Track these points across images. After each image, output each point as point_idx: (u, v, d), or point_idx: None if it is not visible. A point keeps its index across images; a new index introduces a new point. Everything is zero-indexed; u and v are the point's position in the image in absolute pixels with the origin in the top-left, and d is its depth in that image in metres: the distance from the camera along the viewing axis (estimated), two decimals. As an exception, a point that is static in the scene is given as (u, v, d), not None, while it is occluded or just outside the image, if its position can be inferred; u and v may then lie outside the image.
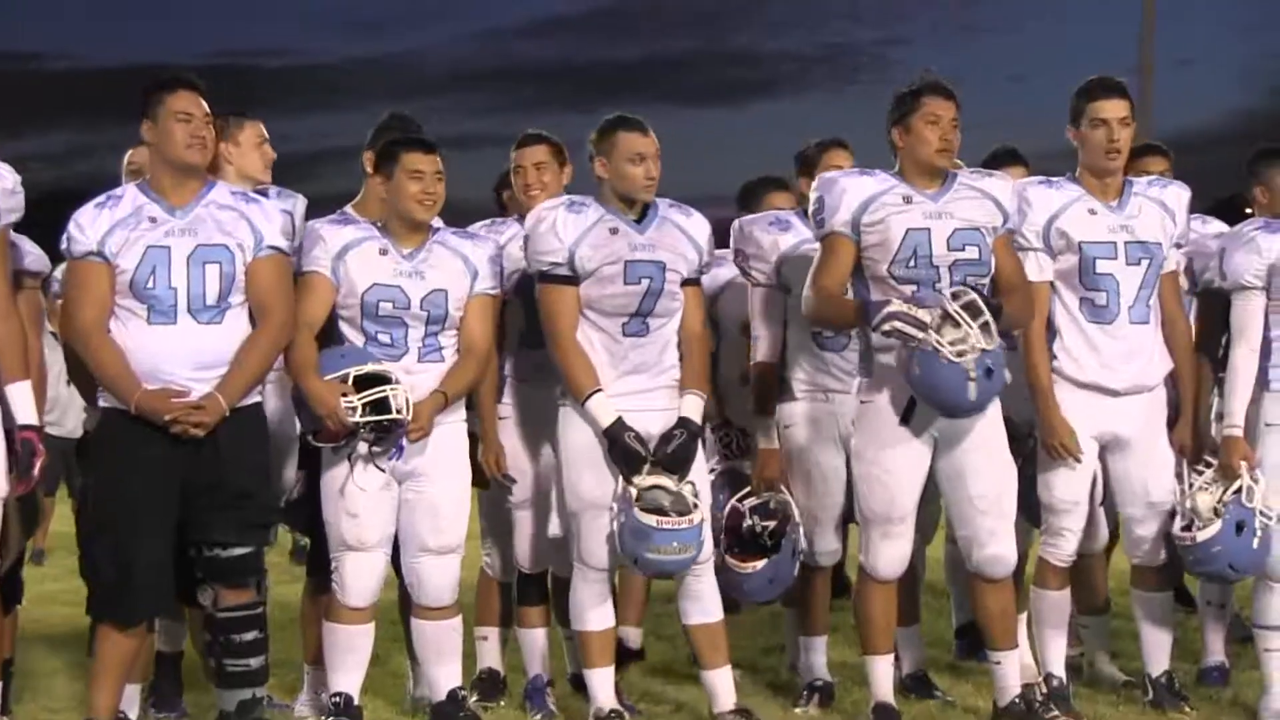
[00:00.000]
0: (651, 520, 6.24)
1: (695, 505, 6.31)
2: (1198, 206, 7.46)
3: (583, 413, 6.41)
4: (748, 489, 6.86)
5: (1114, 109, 6.58)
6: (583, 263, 6.42)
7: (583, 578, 6.52)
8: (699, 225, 6.58)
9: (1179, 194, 6.77)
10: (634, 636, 7.97)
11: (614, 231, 6.46)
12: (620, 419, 6.36)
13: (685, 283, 6.52)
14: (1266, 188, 6.96)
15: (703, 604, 6.53)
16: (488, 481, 6.88)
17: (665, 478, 6.33)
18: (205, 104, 6.18)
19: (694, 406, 6.48)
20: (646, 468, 6.34)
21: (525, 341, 6.90)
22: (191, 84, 6.20)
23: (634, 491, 6.28)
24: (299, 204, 6.74)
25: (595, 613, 6.54)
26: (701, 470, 6.53)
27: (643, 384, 6.46)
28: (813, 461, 6.94)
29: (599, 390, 6.39)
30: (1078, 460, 6.56)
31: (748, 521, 6.77)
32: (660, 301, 6.45)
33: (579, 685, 7.10)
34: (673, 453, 6.38)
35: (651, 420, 6.43)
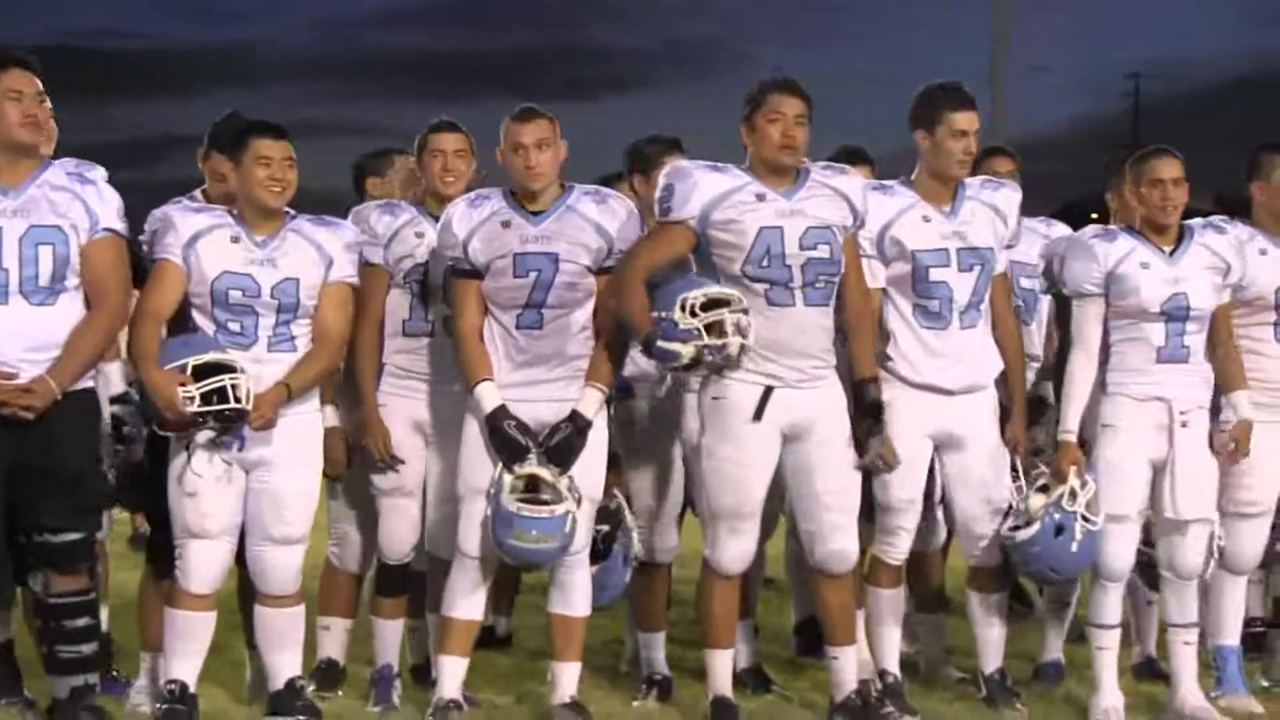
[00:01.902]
0: (514, 506, 6.25)
1: (568, 498, 6.30)
2: (1045, 210, 7.60)
3: (473, 402, 6.42)
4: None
5: (971, 121, 6.66)
6: (475, 256, 6.44)
7: (460, 565, 6.52)
8: (611, 213, 6.53)
9: (1010, 197, 6.86)
10: (502, 624, 8.05)
11: (506, 225, 6.46)
12: (502, 407, 6.37)
13: (600, 272, 6.49)
14: (1117, 194, 7.12)
15: (567, 596, 6.55)
16: (340, 473, 6.85)
17: (546, 469, 6.33)
18: (39, 82, 6.08)
19: (591, 401, 6.47)
20: (532, 458, 6.34)
21: (406, 330, 6.85)
22: (23, 62, 6.09)
23: (508, 479, 6.29)
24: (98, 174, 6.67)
25: (466, 601, 6.53)
26: (594, 465, 6.50)
27: (539, 375, 6.45)
28: (655, 458, 6.94)
29: (487, 379, 6.40)
30: (891, 469, 6.62)
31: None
32: (554, 293, 6.43)
33: (419, 676, 7.08)
34: (556, 445, 6.38)
35: (544, 411, 6.43)
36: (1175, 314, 6.66)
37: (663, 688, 7.05)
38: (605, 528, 6.71)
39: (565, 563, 6.47)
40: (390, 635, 6.97)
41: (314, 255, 6.43)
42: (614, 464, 6.79)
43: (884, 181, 6.82)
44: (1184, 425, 6.67)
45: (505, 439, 6.35)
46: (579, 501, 6.34)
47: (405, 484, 6.83)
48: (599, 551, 6.70)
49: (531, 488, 6.32)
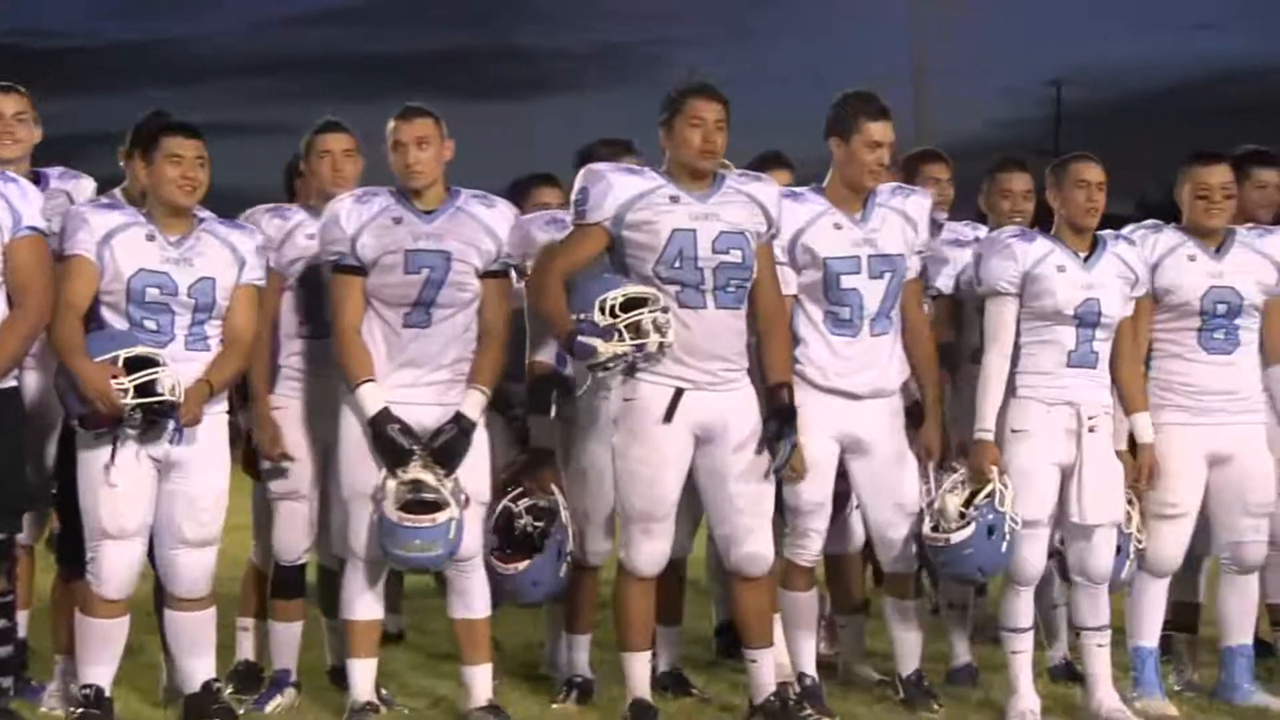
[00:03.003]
0: (395, 516, 6.24)
1: (454, 503, 6.29)
2: (963, 214, 7.64)
3: (354, 402, 6.39)
4: (521, 489, 6.80)
5: (886, 131, 6.68)
6: (364, 252, 6.42)
7: (353, 567, 6.51)
8: (500, 216, 6.57)
9: (920, 203, 6.89)
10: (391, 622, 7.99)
11: (397, 221, 6.45)
12: (386, 409, 6.34)
13: (486, 275, 6.50)
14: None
15: (467, 600, 6.54)
16: (259, 472, 6.82)
17: (430, 473, 6.31)
18: None
19: (474, 403, 6.47)
20: (416, 461, 6.31)
21: (302, 331, 6.84)
22: None
23: (391, 485, 6.28)
24: (83, 184, 6.64)
25: (363, 603, 6.53)
26: (479, 467, 6.50)
27: (420, 377, 6.45)
28: (588, 460, 6.91)
29: (370, 380, 6.38)
30: (800, 477, 6.64)
31: (521, 521, 6.74)
32: (444, 292, 6.43)
33: (336, 678, 7.05)
34: (440, 447, 6.37)
35: (426, 414, 6.42)
36: (1087, 319, 6.70)
37: (583, 690, 7.05)
38: (540, 524, 6.71)
39: (459, 567, 6.47)
40: (284, 639, 6.94)
41: (229, 256, 6.42)
42: (551, 461, 6.81)
43: (795, 189, 6.83)
44: (1091, 430, 6.70)
45: (389, 442, 6.34)
46: (465, 504, 6.33)
47: (299, 487, 6.81)
48: (533, 547, 6.69)
49: (413, 488, 6.29)
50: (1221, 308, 6.90)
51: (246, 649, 7.11)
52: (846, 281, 6.67)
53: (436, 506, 6.27)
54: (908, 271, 6.81)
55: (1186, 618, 7.49)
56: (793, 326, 6.68)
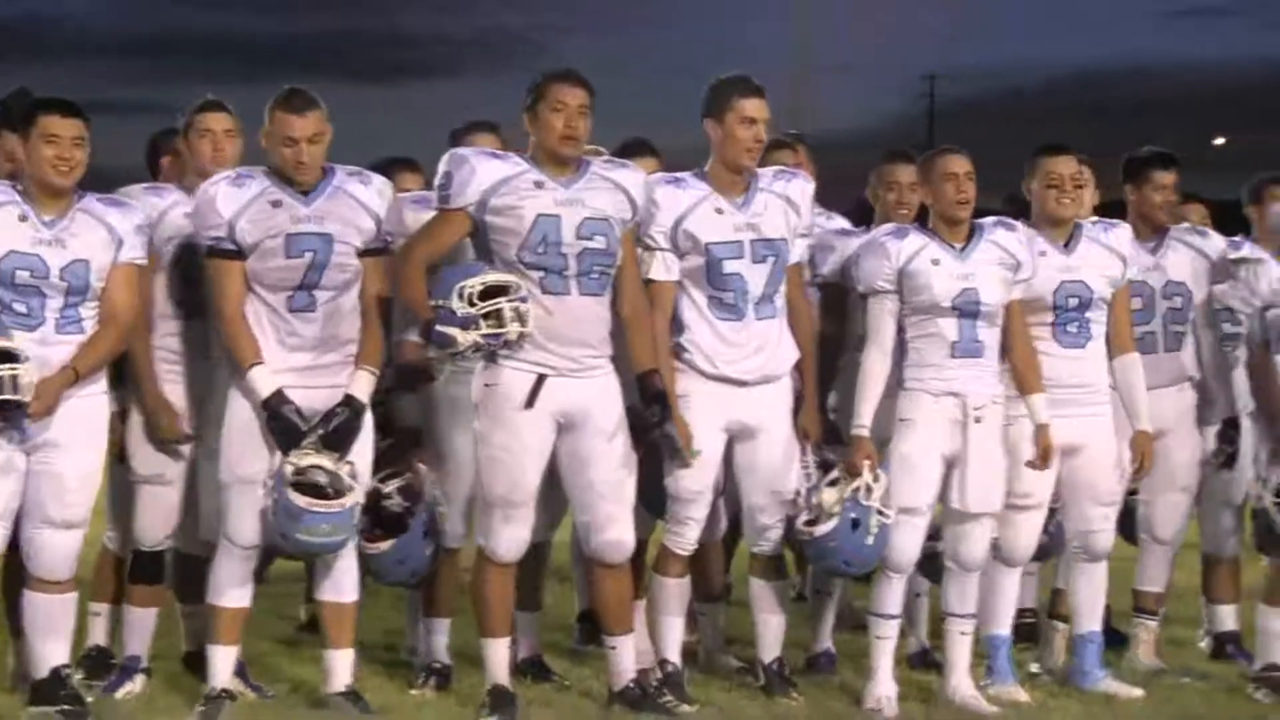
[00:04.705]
0: (303, 501, 6.19)
1: (352, 487, 6.26)
2: (840, 205, 7.68)
3: (245, 386, 6.34)
4: (390, 469, 6.77)
5: (759, 109, 6.69)
6: (243, 236, 6.35)
7: (227, 553, 6.45)
8: (377, 193, 6.51)
9: (803, 188, 6.92)
10: None
11: (276, 204, 6.38)
12: (279, 391, 6.31)
13: (366, 253, 6.46)
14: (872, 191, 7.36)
15: (336, 582, 6.52)
16: (123, 454, 6.75)
17: (324, 457, 6.27)
18: None
19: (364, 384, 6.44)
20: (307, 444, 6.28)
21: (175, 313, 6.76)
22: None
23: (289, 470, 6.23)
24: None
25: (234, 590, 6.47)
26: (366, 450, 6.47)
27: (309, 360, 6.40)
28: (446, 444, 6.91)
29: (260, 363, 6.33)
30: (690, 461, 6.66)
31: (389, 501, 6.69)
32: (327, 274, 6.39)
33: (191, 664, 6.98)
34: (334, 430, 6.33)
35: (317, 397, 6.38)
36: (967, 309, 6.77)
37: (442, 676, 7.03)
38: (405, 502, 6.69)
39: (336, 550, 6.42)
40: (140, 625, 6.86)
41: (105, 236, 6.31)
42: (416, 440, 6.79)
43: (677, 174, 6.83)
44: (977, 420, 6.77)
45: (285, 424, 6.29)
46: (356, 488, 6.30)
47: (165, 471, 6.74)
48: (397, 526, 6.67)
49: (304, 473, 6.25)
50: (1073, 301, 6.99)
51: (99, 634, 7.02)
52: (729, 266, 6.69)
53: (329, 490, 6.23)
54: (790, 256, 6.83)
55: (1064, 605, 7.55)
56: (677, 313, 6.70)
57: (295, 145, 6.37)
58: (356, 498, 6.29)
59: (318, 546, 6.35)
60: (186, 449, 6.74)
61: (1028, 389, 6.91)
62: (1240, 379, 7.65)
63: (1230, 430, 7.60)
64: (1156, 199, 7.52)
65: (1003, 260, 6.85)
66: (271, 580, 8.57)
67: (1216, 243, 7.61)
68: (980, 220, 6.92)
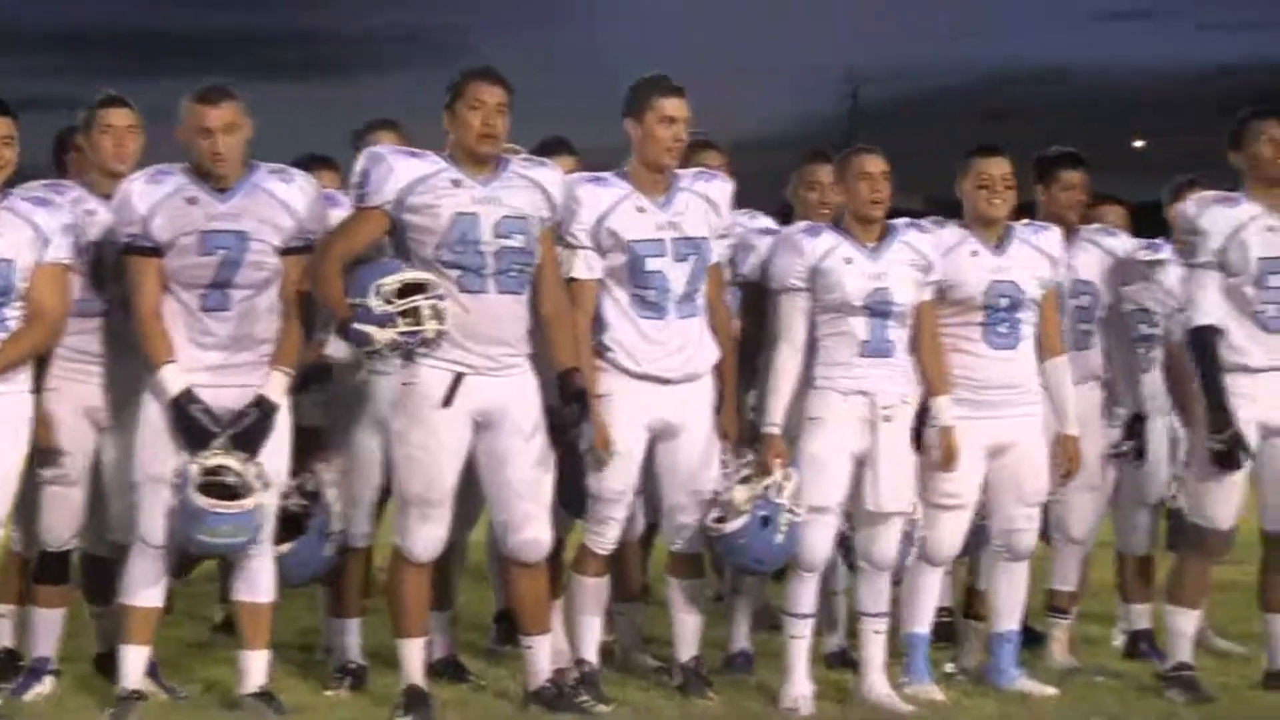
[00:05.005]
0: (204, 502, 6.14)
1: (258, 488, 6.21)
2: (763, 206, 7.68)
3: (156, 385, 6.29)
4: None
5: (679, 108, 6.70)
6: (158, 233, 6.31)
7: (140, 553, 6.40)
8: (299, 191, 6.46)
9: (723, 188, 6.93)
10: None
11: (191, 201, 6.34)
12: (188, 390, 6.26)
13: (287, 252, 6.41)
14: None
15: (253, 583, 6.47)
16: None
17: (233, 457, 6.23)
18: None
19: (277, 384, 6.39)
20: (217, 444, 6.23)
21: (81, 310, 6.65)
22: None
23: (195, 470, 6.18)
24: None
25: (146, 590, 6.42)
26: (279, 450, 6.42)
27: (222, 359, 6.36)
28: (355, 442, 6.89)
29: (171, 361, 6.28)
30: (608, 460, 6.65)
31: (286, 501, 6.64)
32: (242, 272, 6.34)
33: (102, 666, 6.92)
34: (243, 431, 6.29)
35: (229, 396, 6.33)
36: (878, 309, 6.79)
37: (356, 676, 7.00)
38: (304, 503, 6.65)
39: (249, 551, 6.39)
40: (46, 626, 6.79)
41: (30, 235, 6.25)
42: (315, 441, 6.75)
43: (598, 173, 6.83)
44: (887, 419, 6.79)
45: (191, 424, 6.25)
46: (267, 489, 6.26)
47: (69, 472, 6.67)
48: (297, 528, 6.64)
49: (214, 473, 6.21)
50: (1003, 301, 7.01)
51: (5, 636, 6.95)
52: (651, 264, 6.69)
53: (238, 491, 6.19)
54: (711, 255, 6.83)
55: (981, 604, 7.60)
56: (599, 311, 6.69)
57: (211, 136, 6.32)
58: (260, 499, 6.24)
59: (219, 548, 6.32)
60: (91, 448, 6.66)
61: (935, 390, 6.94)
62: (1153, 380, 7.70)
63: (1136, 426, 7.66)
64: (1065, 198, 7.58)
65: (914, 261, 6.88)
66: (189, 580, 8.51)
67: (1126, 243, 7.67)
68: (893, 221, 6.94)
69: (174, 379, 6.28)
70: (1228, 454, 6.87)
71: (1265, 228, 6.98)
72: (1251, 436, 6.94)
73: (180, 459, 6.26)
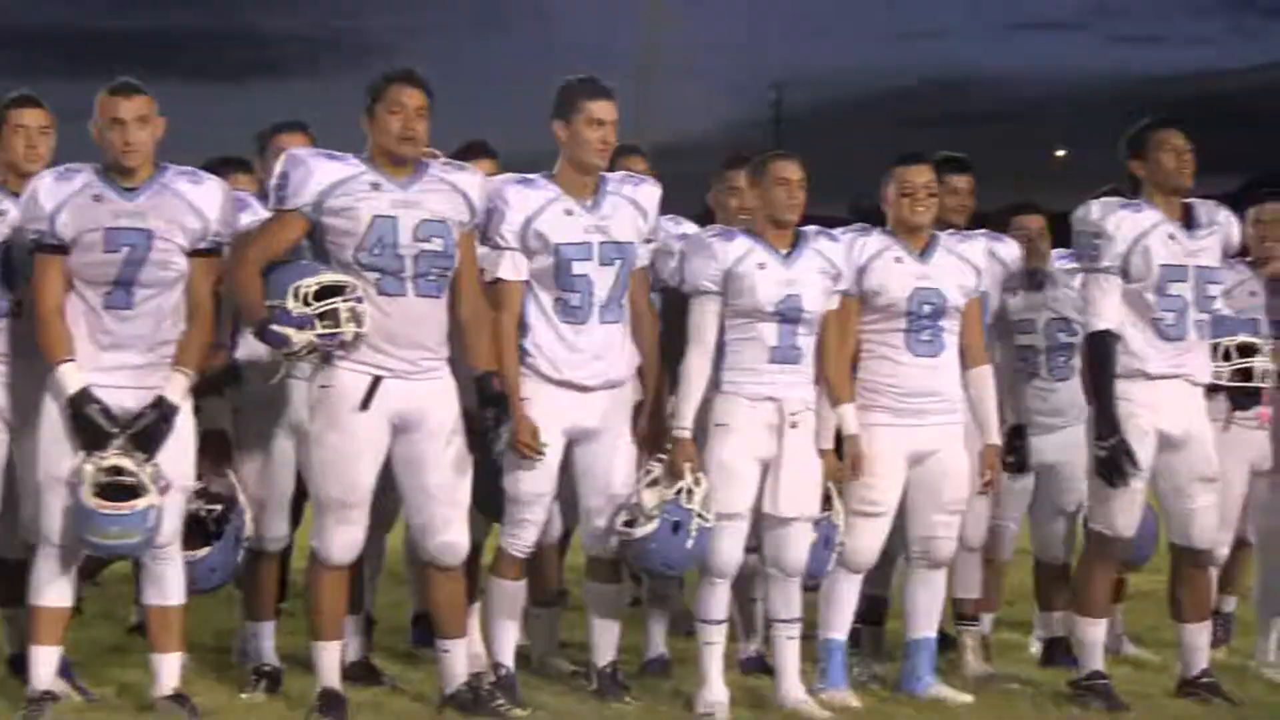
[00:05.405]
0: (93, 504, 6.10)
1: (153, 489, 6.16)
2: (686, 211, 7.69)
3: (55, 384, 6.24)
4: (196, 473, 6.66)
5: (608, 110, 6.70)
6: (63, 230, 6.26)
7: (45, 553, 6.34)
8: (208, 193, 6.42)
9: (651, 193, 6.94)
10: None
11: (97, 199, 6.30)
12: (85, 390, 6.21)
13: (195, 253, 6.37)
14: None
15: (161, 587, 6.42)
16: None
17: (129, 458, 6.18)
18: None
19: (177, 385, 6.34)
20: (115, 444, 6.18)
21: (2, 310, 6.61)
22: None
23: (90, 470, 6.13)
24: None
25: (53, 589, 6.36)
26: (181, 452, 6.36)
27: (122, 359, 6.30)
28: (267, 445, 6.86)
29: (70, 360, 6.23)
30: (539, 457, 6.65)
31: (192, 506, 6.59)
32: (146, 270, 6.29)
33: (16, 669, 6.86)
34: (141, 431, 6.23)
35: (129, 397, 6.28)
36: (789, 315, 6.80)
37: (272, 679, 6.97)
38: (218, 508, 6.60)
39: (155, 554, 6.35)
40: None
41: None
42: (224, 444, 6.70)
43: (527, 175, 6.82)
44: (793, 426, 6.81)
45: (88, 424, 6.20)
46: (165, 490, 6.22)
47: None
48: (211, 533, 6.58)
49: (115, 473, 6.16)
50: (927, 309, 7.04)
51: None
52: (578, 268, 6.68)
53: (135, 492, 6.14)
54: (637, 259, 6.84)
55: (875, 611, 7.63)
56: (522, 315, 6.68)
57: (122, 126, 6.29)
58: (153, 500, 6.18)
59: (111, 549, 6.30)
60: (3, 450, 6.60)
61: (838, 399, 6.96)
62: (1072, 388, 7.75)
63: (1015, 439, 7.71)
64: (951, 202, 7.60)
65: (824, 269, 6.90)
66: (102, 582, 8.45)
67: (1013, 250, 7.70)
68: (803, 228, 6.97)
69: (71, 378, 6.23)
70: (1110, 461, 6.94)
71: (1167, 235, 7.06)
72: (1150, 446, 7.02)
73: (77, 458, 6.21)
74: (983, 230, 7.70)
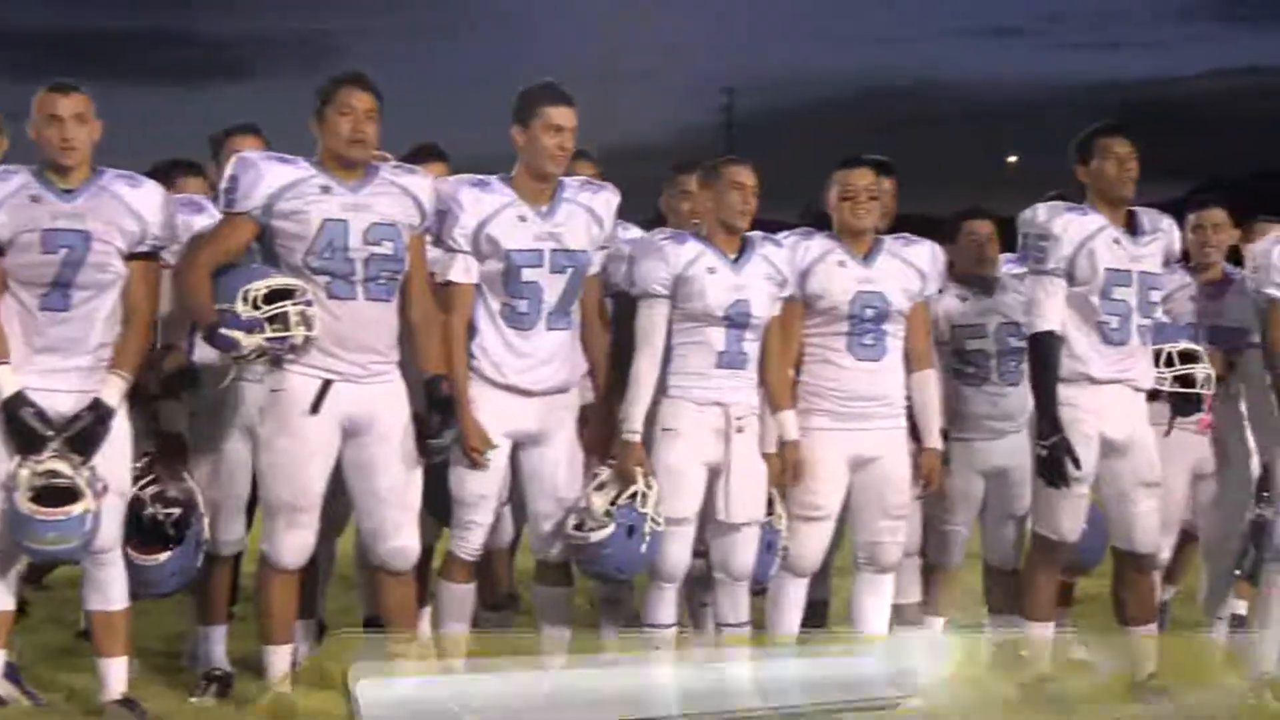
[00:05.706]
0: (28, 508, 6.08)
1: (89, 493, 6.15)
2: (636, 215, 7.71)
3: None
4: (151, 476, 6.66)
5: (566, 116, 6.71)
6: (0, 231, 6.23)
7: None
8: (146, 196, 6.41)
9: (609, 200, 6.95)
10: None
11: (35, 199, 6.27)
12: (20, 393, 6.18)
13: (134, 256, 6.35)
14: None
15: (104, 591, 6.41)
16: None
17: (65, 461, 6.16)
18: None
19: (114, 388, 6.32)
20: (50, 448, 6.16)
21: None
22: None
23: (25, 474, 6.12)
24: None
25: None
26: (119, 455, 6.35)
27: (58, 362, 6.27)
28: (220, 448, 6.85)
29: (4, 363, 6.21)
30: (484, 466, 6.66)
31: (149, 510, 6.59)
32: (84, 273, 6.27)
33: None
34: (76, 434, 6.21)
35: (64, 400, 6.26)
36: (737, 320, 6.83)
37: (223, 684, 6.96)
38: (176, 512, 6.59)
39: (96, 559, 6.34)
40: None
41: None
42: (181, 447, 6.69)
43: (482, 177, 6.82)
44: (739, 430, 6.84)
45: (22, 427, 6.18)
46: (102, 494, 6.20)
47: None
48: (170, 537, 6.57)
49: (51, 477, 6.14)
50: (870, 312, 7.07)
51: None
52: (527, 274, 6.68)
53: (72, 496, 6.12)
54: (589, 267, 6.84)
55: (818, 615, 7.66)
56: (470, 318, 6.68)
57: (60, 123, 6.26)
58: (88, 505, 6.15)
59: (48, 554, 6.29)
60: None
61: (780, 405, 6.99)
62: (1021, 393, 7.78)
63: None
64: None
65: (771, 275, 6.94)
66: (50, 586, 8.42)
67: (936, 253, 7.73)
68: (748, 234, 6.99)
69: (6, 380, 6.21)
70: (1052, 461, 6.98)
71: (1112, 240, 7.12)
72: (1093, 450, 7.06)
73: (12, 463, 6.19)
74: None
